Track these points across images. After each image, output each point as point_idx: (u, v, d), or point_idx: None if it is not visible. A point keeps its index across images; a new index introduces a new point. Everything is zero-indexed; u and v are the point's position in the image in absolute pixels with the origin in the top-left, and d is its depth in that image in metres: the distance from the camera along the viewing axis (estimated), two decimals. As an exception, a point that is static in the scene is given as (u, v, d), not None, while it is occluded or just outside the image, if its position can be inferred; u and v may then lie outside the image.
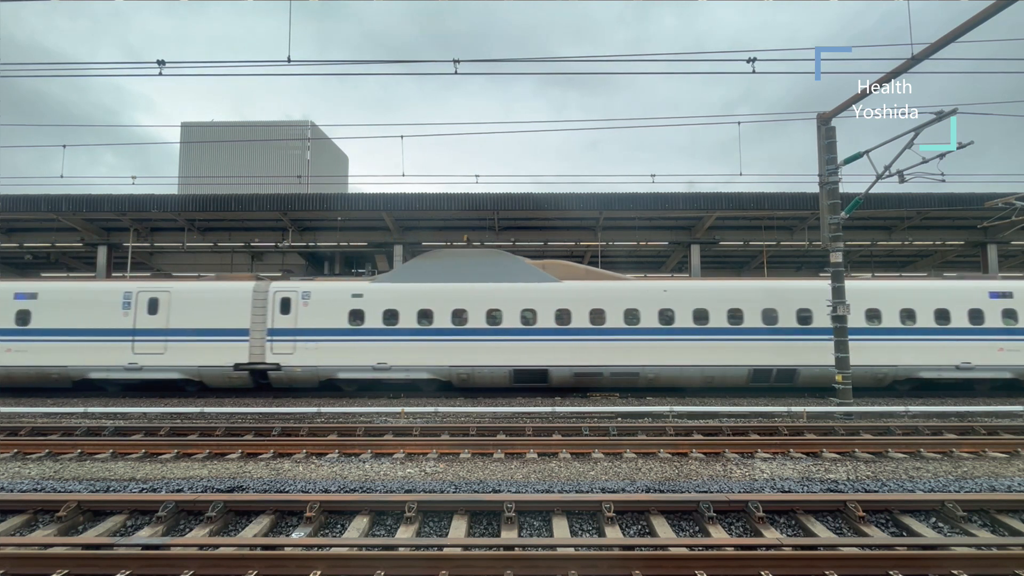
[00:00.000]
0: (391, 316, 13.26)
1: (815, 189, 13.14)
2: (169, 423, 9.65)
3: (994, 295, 13.39)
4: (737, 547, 4.45)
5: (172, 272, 23.08)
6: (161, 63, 9.97)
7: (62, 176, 17.40)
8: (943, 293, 13.46)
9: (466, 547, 4.42)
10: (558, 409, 10.74)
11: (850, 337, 11.82)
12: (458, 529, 4.86)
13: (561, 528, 4.91)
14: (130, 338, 13.11)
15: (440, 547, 4.38)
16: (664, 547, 4.40)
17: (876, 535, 4.81)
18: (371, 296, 13.40)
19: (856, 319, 12.87)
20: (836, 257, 12.08)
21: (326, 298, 13.41)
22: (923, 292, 13.54)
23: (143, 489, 5.88)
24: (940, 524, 5.12)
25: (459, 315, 13.30)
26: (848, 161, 11.94)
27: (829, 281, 12.17)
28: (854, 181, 17.94)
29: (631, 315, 13.26)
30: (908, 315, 13.28)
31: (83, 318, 13.23)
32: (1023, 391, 13.22)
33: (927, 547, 4.48)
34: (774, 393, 13.23)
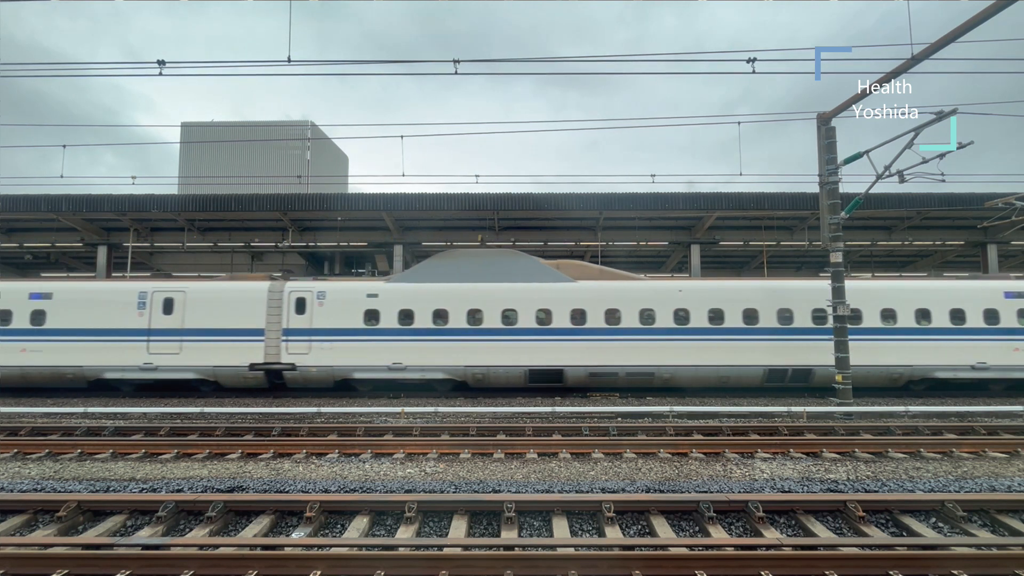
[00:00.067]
0: (406, 316, 13.24)
1: (815, 189, 13.16)
2: (169, 423, 9.65)
3: (1009, 295, 13.38)
4: (737, 547, 4.45)
5: (172, 272, 23.09)
6: (161, 63, 9.98)
7: (62, 176, 17.47)
8: (958, 293, 13.43)
9: (466, 547, 4.42)
10: (558, 409, 10.75)
11: (866, 337, 11.97)
12: (458, 529, 4.87)
13: (561, 528, 4.92)
14: (145, 338, 13.10)
15: (440, 547, 4.38)
16: (664, 547, 4.40)
17: (876, 535, 4.81)
18: (386, 296, 13.37)
19: (871, 319, 12.93)
20: (836, 257, 12.10)
21: (341, 298, 13.39)
22: (938, 292, 13.50)
23: (143, 489, 5.89)
24: (940, 524, 5.13)
25: (474, 315, 13.28)
26: (848, 161, 11.95)
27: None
28: (854, 181, 18.02)
29: (646, 315, 13.25)
30: (924, 315, 13.25)
31: (98, 318, 13.21)
32: None
33: (927, 547, 4.48)
34: (774, 393, 13.24)
